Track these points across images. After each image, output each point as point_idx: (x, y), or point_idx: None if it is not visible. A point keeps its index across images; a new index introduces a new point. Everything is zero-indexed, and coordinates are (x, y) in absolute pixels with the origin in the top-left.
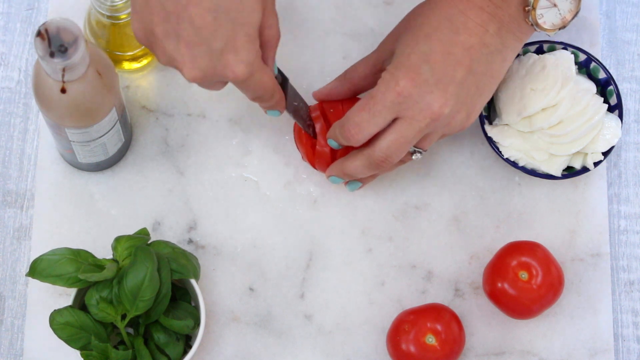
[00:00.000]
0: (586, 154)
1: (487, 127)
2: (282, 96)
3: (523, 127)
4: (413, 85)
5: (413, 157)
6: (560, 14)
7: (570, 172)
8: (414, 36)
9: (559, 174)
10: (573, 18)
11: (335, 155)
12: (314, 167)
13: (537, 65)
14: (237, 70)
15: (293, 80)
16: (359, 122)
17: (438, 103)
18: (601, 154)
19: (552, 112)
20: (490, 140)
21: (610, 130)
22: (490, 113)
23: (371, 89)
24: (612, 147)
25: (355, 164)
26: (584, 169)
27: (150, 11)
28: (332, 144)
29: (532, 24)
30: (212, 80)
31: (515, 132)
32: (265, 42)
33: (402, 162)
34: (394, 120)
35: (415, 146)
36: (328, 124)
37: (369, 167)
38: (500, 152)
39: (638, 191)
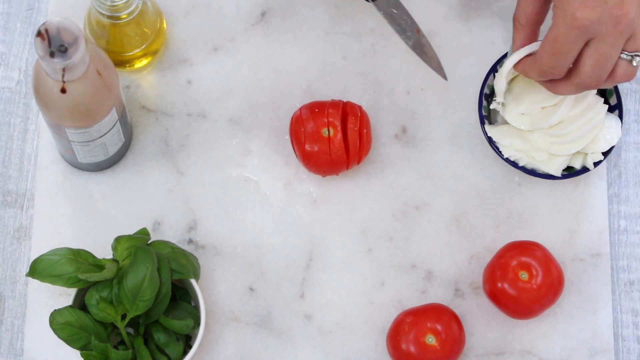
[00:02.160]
0: (586, 154)
1: (487, 127)
2: None
3: (523, 126)
4: (589, 10)
5: (634, 63)
6: None
7: (570, 172)
8: None
9: (559, 174)
10: None
11: (328, 156)
12: (306, 167)
13: None
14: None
15: (294, 80)
16: (555, 65)
17: (618, 8)
18: (601, 154)
19: (552, 111)
20: (490, 140)
21: (610, 130)
22: (490, 113)
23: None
24: (612, 147)
25: (568, 90)
26: (584, 169)
27: None
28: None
29: None
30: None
31: (515, 132)
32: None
33: (626, 74)
34: (587, 42)
35: (628, 52)
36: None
37: (583, 90)
38: (500, 152)
39: (638, 191)
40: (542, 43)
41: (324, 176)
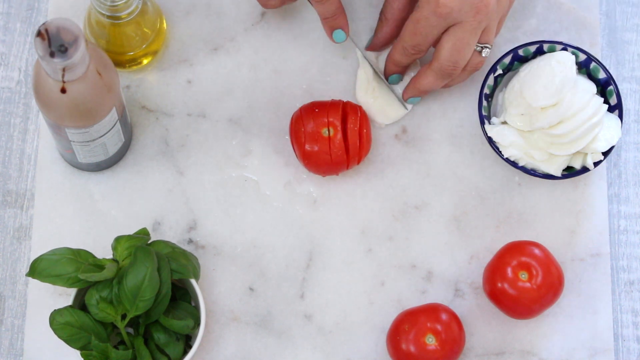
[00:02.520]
0: (586, 154)
1: (487, 127)
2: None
3: (523, 126)
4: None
5: (483, 54)
6: None
7: (570, 172)
8: None
9: (559, 174)
10: None
11: (328, 156)
12: (306, 167)
13: (540, 65)
14: None
15: (294, 80)
16: (415, 44)
17: None
18: (601, 154)
19: (552, 111)
20: (490, 140)
21: (610, 130)
22: (490, 113)
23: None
24: (612, 147)
25: (427, 80)
26: (584, 169)
27: None
28: (393, 79)
29: None
30: None
31: (515, 132)
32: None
33: (475, 65)
34: (447, 28)
35: (480, 43)
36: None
37: (441, 79)
38: (500, 152)
39: (638, 191)
40: (406, 22)
41: (323, 176)
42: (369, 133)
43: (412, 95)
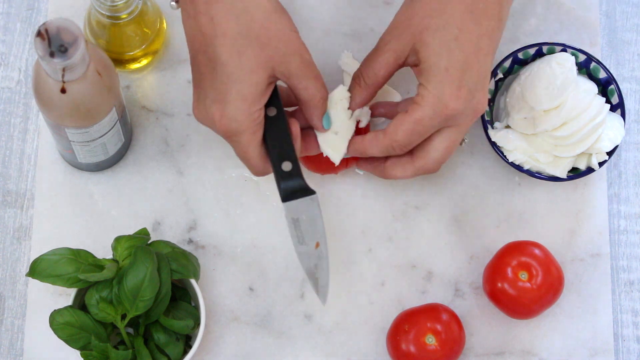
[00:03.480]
0: (590, 155)
1: (491, 132)
2: (262, 171)
3: (527, 130)
4: (461, 102)
5: (462, 145)
6: None
7: (575, 174)
8: (443, 42)
9: (564, 176)
10: None
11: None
12: (304, 165)
13: (540, 68)
14: (219, 122)
15: None
16: (407, 144)
17: (482, 102)
18: (605, 154)
19: (555, 114)
20: (494, 145)
21: (613, 129)
22: (492, 118)
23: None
24: (617, 147)
25: (405, 173)
26: (589, 170)
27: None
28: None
29: None
30: (210, 127)
31: (519, 136)
32: (304, 103)
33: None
34: (441, 127)
35: None
36: None
37: (419, 174)
38: (505, 156)
39: (638, 191)
40: (399, 119)
41: (322, 174)
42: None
43: (373, 173)
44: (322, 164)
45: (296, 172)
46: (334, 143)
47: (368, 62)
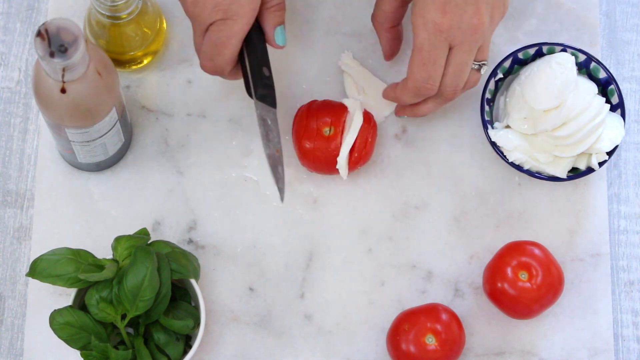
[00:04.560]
0: (590, 155)
1: (491, 132)
2: (223, 69)
3: (527, 130)
4: (450, 17)
5: (482, 71)
6: None
7: (575, 174)
8: None
9: (564, 176)
10: None
11: (322, 154)
12: (302, 162)
13: (540, 68)
14: (222, 1)
15: (294, 80)
16: (427, 77)
17: (476, 17)
18: (605, 154)
19: (555, 113)
20: (494, 144)
21: (613, 129)
22: (492, 117)
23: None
24: (616, 147)
25: (427, 106)
26: (589, 170)
27: None
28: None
29: None
30: (204, 8)
31: (519, 136)
32: (263, 3)
33: (473, 82)
34: (449, 50)
35: (477, 61)
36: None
37: (442, 104)
38: (505, 156)
39: (638, 191)
40: (410, 58)
41: (319, 173)
42: (373, 143)
43: (407, 115)
44: (322, 164)
45: (272, 81)
46: (372, 104)
47: (375, 6)
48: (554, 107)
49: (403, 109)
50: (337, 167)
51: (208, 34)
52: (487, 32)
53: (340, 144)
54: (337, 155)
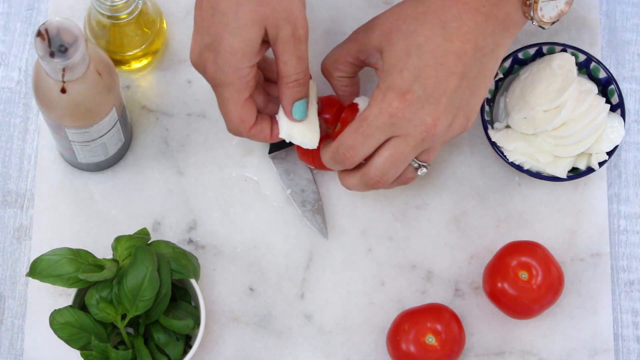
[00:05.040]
0: (590, 155)
1: (491, 132)
2: (242, 131)
3: (527, 130)
4: (405, 105)
5: (419, 172)
6: (557, 6)
7: (575, 174)
8: (406, 46)
9: (564, 176)
10: (568, 9)
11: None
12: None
13: (540, 68)
14: (209, 69)
15: None
16: (352, 146)
17: (431, 117)
18: (605, 154)
19: (555, 113)
20: (494, 144)
21: (613, 129)
22: (492, 118)
23: (345, 81)
24: (616, 147)
25: (351, 181)
26: (589, 170)
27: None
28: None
29: (532, 19)
30: (201, 72)
31: (519, 136)
32: (280, 78)
33: (407, 179)
34: (389, 139)
35: (418, 160)
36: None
37: (364, 185)
38: (505, 156)
39: (638, 191)
40: (350, 123)
41: (319, 169)
42: None
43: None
44: (319, 159)
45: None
46: (303, 132)
47: (333, 50)
48: (554, 107)
49: (329, 165)
50: None
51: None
52: (438, 137)
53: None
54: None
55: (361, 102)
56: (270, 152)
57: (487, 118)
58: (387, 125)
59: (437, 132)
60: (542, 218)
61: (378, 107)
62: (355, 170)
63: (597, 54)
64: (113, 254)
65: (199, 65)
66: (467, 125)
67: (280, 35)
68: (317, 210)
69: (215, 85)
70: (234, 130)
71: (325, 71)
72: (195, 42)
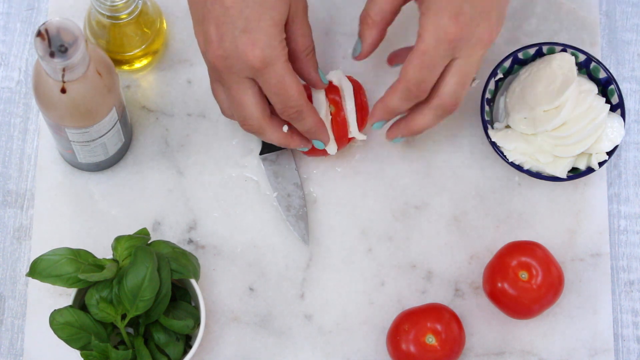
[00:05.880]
0: (590, 155)
1: (491, 132)
2: (314, 114)
3: (527, 130)
4: (460, 28)
5: (473, 84)
6: None
7: (575, 174)
8: None
9: (564, 176)
10: None
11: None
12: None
13: (540, 68)
14: (253, 53)
15: None
16: (422, 79)
17: (487, 33)
18: (605, 154)
19: (555, 113)
20: (494, 144)
21: (613, 129)
22: (492, 117)
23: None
24: (616, 147)
25: (425, 119)
26: (589, 170)
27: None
28: (378, 125)
29: None
30: (234, 67)
31: (519, 136)
32: (300, 51)
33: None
34: (450, 61)
35: None
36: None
37: (440, 117)
38: (505, 156)
39: (638, 191)
40: (408, 58)
41: (315, 157)
42: (365, 95)
43: (401, 136)
44: (314, 148)
45: None
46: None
47: (370, 2)
48: (554, 107)
49: (397, 128)
50: (352, 135)
51: None
52: (489, 47)
53: (346, 115)
54: (347, 127)
55: (335, 77)
56: (261, 153)
57: (487, 118)
58: (448, 51)
59: (491, 44)
60: (542, 218)
61: (434, 36)
62: (427, 108)
63: (597, 54)
64: (113, 254)
65: (235, 55)
66: (500, 29)
67: (299, 11)
68: (301, 217)
69: (265, 66)
70: (296, 102)
71: (370, 22)
72: (220, 39)
